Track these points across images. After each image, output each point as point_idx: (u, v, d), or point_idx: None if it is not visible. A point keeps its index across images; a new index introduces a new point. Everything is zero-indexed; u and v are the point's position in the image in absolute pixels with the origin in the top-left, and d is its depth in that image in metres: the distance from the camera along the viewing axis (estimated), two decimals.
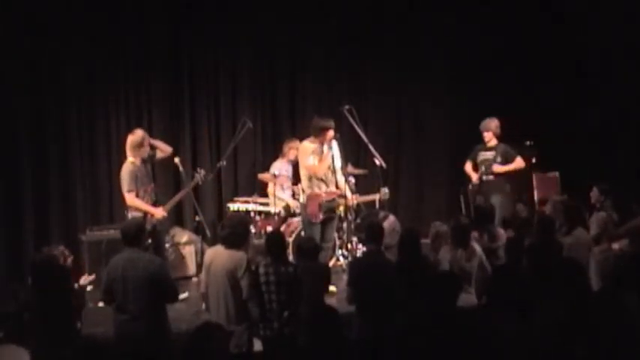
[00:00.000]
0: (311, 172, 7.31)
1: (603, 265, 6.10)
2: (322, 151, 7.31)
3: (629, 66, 8.96)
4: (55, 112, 8.59)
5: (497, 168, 8.12)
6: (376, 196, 7.70)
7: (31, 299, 5.00)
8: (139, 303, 5.14)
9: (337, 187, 7.38)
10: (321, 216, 7.28)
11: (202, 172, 7.38)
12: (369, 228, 6.04)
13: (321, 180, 7.34)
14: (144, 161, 6.96)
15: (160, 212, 6.94)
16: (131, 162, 6.85)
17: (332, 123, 7.32)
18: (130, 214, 6.86)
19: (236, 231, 5.62)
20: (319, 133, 7.28)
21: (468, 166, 8.47)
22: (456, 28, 9.71)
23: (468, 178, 8.40)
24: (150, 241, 6.78)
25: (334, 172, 7.33)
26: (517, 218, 6.96)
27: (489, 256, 6.19)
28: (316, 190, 7.28)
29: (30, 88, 8.43)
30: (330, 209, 7.33)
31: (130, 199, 6.82)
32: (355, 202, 7.63)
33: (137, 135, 6.93)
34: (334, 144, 7.36)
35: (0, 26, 8.11)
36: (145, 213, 6.85)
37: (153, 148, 7.11)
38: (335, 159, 7.31)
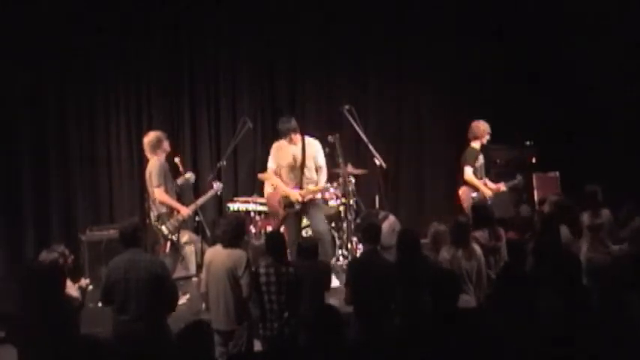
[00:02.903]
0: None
1: (596, 264, 6.13)
2: (291, 151, 7.51)
3: (630, 65, 8.97)
4: (55, 112, 8.61)
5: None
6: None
7: (28, 302, 4.99)
8: (139, 304, 5.14)
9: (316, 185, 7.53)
10: (282, 211, 7.45)
11: (220, 184, 7.51)
12: (366, 228, 6.04)
13: (282, 179, 7.53)
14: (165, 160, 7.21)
15: (186, 210, 7.15)
16: (156, 159, 7.08)
17: (292, 124, 7.43)
18: (156, 210, 7.04)
19: (230, 228, 5.62)
20: (284, 136, 7.45)
21: (472, 174, 7.99)
22: (456, 29, 9.70)
23: (479, 190, 7.94)
24: (176, 237, 7.06)
25: (302, 171, 7.47)
26: (519, 219, 6.95)
27: (493, 255, 6.19)
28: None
29: (30, 89, 8.45)
30: (289, 204, 7.46)
31: (160, 193, 7.02)
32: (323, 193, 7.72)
33: (150, 135, 7.20)
34: (309, 143, 7.49)
35: (0, 28, 8.13)
36: (172, 209, 7.05)
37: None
38: (307, 158, 7.45)
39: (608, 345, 4.01)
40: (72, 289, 5.36)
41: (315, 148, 7.55)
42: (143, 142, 7.23)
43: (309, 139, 7.61)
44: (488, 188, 8.04)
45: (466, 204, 7.94)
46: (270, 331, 5.49)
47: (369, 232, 5.91)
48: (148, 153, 7.16)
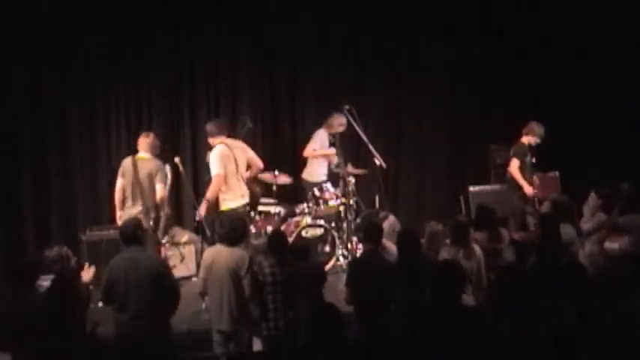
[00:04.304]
0: None
1: (594, 268, 6.12)
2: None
3: (630, 66, 8.97)
4: (55, 112, 8.61)
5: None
6: None
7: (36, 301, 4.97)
8: (140, 303, 5.14)
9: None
10: None
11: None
12: (366, 228, 6.04)
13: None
14: None
15: (169, 210, 7.30)
16: (156, 159, 7.14)
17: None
18: (153, 213, 7.05)
19: (233, 228, 5.62)
20: None
21: (517, 168, 8.34)
22: (456, 29, 9.70)
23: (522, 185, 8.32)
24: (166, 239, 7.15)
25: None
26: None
27: (494, 257, 6.18)
28: None
29: (30, 89, 8.45)
30: None
31: (164, 192, 7.08)
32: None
33: (154, 138, 7.23)
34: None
35: (0, 28, 8.13)
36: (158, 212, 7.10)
37: None
38: None
39: (609, 345, 4.01)
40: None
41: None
42: (149, 139, 7.16)
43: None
44: (529, 186, 8.29)
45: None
46: (275, 330, 5.49)
47: (370, 231, 5.91)
48: (150, 152, 7.12)
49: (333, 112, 8.63)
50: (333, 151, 8.57)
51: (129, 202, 7.07)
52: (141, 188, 7.01)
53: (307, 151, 8.66)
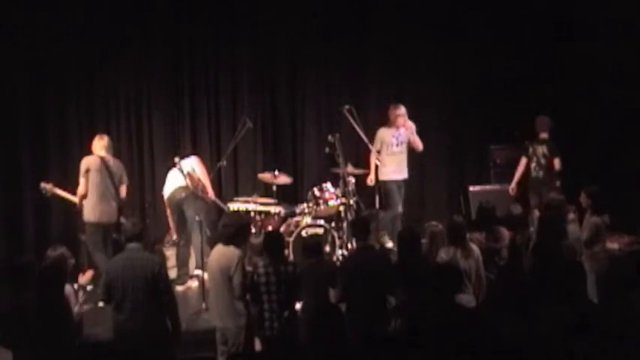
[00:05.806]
0: None
1: (598, 267, 6.11)
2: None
3: (630, 65, 8.98)
4: (55, 112, 8.61)
5: None
6: None
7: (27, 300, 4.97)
8: (137, 302, 5.14)
9: None
10: None
11: None
12: (353, 224, 6.03)
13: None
14: None
15: None
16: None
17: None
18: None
19: (231, 227, 5.60)
20: None
21: None
22: (456, 29, 9.69)
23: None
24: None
25: None
26: (512, 217, 6.93)
27: (493, 257, 6.17)
28: None
29: (30, 89, 8.46)
30: None
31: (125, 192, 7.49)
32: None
33: (108, 138, 7.49)
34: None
35: (1, 28, 8.13)
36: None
37: None
38: None
39: (609, 344, 4.01)
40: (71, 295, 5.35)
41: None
42: (104, 142, 7.37)
43: None
44: None
45: None
46: (271, 330, 5.48)
47: (356, 228, 5.92)
48: (109, 153, 7.37)
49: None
50: (374, 152, 8.47)
51: (102, 197, 7.27)
52: (114, 185, 7.31)
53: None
